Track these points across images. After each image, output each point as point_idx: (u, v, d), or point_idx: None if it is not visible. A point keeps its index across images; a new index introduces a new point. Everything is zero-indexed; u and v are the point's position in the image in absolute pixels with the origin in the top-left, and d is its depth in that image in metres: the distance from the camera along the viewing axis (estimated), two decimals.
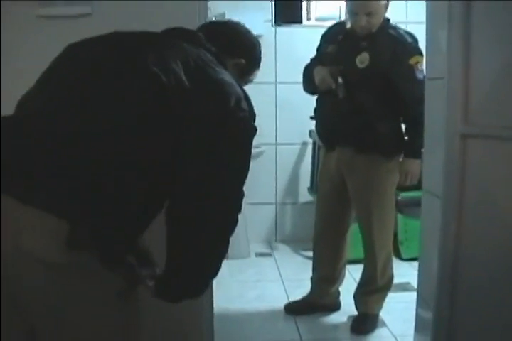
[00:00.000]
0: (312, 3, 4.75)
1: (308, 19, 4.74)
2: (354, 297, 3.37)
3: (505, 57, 2.06)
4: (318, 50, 3.28)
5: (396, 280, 3.52)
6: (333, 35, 3.15)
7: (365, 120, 2.98)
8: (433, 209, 2.47)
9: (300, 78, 3.96)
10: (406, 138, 3.08)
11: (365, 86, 2.96)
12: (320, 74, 3.05)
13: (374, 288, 3.27)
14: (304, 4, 4.75)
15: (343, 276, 3.47)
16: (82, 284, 1.44)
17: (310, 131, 4.58)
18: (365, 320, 3.26)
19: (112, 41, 1.68)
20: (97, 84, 1.55)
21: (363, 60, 2.95)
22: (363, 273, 3.33)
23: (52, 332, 1.50)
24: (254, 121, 1.65)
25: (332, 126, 3.11)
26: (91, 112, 1.50)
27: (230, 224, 1.64)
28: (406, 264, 4.06)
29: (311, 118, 3.34)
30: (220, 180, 1.55)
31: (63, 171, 1.44)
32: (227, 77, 1.63)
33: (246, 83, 1.95)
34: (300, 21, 4.75)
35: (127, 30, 1.73)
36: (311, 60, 3.26)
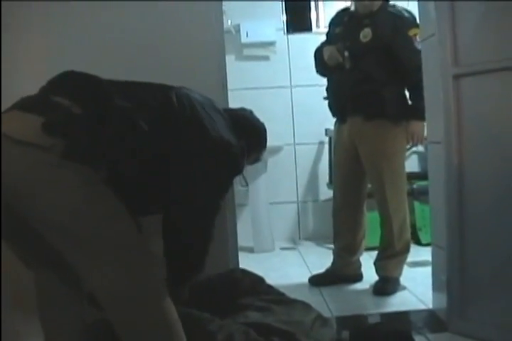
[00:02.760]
0: (320, 12, 5.05)
1: (318, 27, 5.04)
2: (374, 263, 3.51)
3: (483, 6, 2.36)
4: (327, 34, 3.56)
5: (415, 259, 3.75)
6: (340, 19, 3.45)
7: (371, 88, 3.21)
8: (437, 157, 2.69)
9: (313, 81, 4.31)
10: (410, 102, 3.30)
11: (369, 57, 3.21)
12: (328, 51, 3.33)
13: (392, 253, 3.41)
14: (313, 13, 5.07)
15: (363, 247, 3.62)
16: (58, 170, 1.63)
17: (326, 130, 4.81)
18: (386, 283, 3.39)
19: None
20: None
21: (366, 34, 3.22)
22: (381, 239, 3.48)
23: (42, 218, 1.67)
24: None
25: (342, 97, 3.34)
26: None
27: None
28: (425, 249, 4.14)
29: (324, 98, 3.56)
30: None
31: None
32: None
33: (251, 162, 2.29)
34: (310, 29, 5.06)
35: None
36: (321, 43, 3.53)
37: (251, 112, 2.27)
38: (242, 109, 2.27)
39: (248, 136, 2.09)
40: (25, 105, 1.73)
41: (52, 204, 1.63)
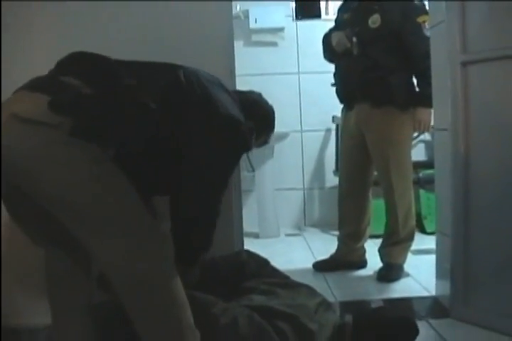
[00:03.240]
0: None
1: (327, 13, 5.00)
2: (379, 250, 3.53)
3: None
4: (335, 20, 3.55)
5: (420, 247, 3.77)
6: (349, 5, 3.43)
7: (379, 75, 3.20)
8: (443, 144, 2.70)
9: (321, 68, 4.30)
10: (417, 89, 3.29)
11: (377, 44, 3.20)
12: (337, 37, 3.32)
13: (397, 240, 3.42)
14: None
15: (368, 234, 3.64)
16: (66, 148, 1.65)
17: (333, 117, 4.81)
18: (390, 269, 3.41)
19: None
20: None
21: (374, 20, 3.21)
22: (386, 226, 3.49)
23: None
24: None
25: (349, 83, 3.34)
26: None
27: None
28: (430, 237, 4.14)
29: (332, 85, 3.56)
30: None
31: None
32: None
33: (259, 144, 2.30)
34: (319, 16, 5.01)
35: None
36: (330, 29, 3.52)
37: (259, 95, 2.28)
38: (251, 92, 2.27)
39: (256, 118, 2.09)
40: (34, 85, 1.75)
41: (61, 182, 1.64)
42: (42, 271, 2.03)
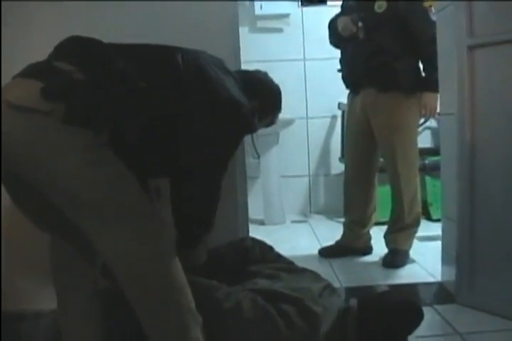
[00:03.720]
0: None
1: None
2: (384, 236, 3.53)
3: None
4: (342, 5, 3.53)
5: (425, 234, 3.77)
6: None
7: (385, 59, 3.18)
8: (449, 129, 2.68)
9: (327, 54, 4.28)
10: (423, 74, 3.27)
11: (383, 28, 3.18)
12: (342, 21, 3.30)
13: (402, 226, 3.42)
14: None
15: (374, 220, 3.64)
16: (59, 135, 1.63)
17: (339, 103, 4.79)
18: (396, 255, 3.40)
19: None
20: None
21: (380, 5, 3.18)
22: (392, 212, 3.48)
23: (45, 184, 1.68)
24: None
25: (355, 68, 3.32)
26: None
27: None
28: (436, 224, 4.13)
29: (338, 70, 3.54)
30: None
31: None
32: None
33: (265, 124, 2.27)
34: (325, 2, 5.00)
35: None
36: (336, 14, 3.50)
37: (265, 74, 2.26)
38: (257, 71, 2.25)
39: (262, 97, 2.08)
40: (28, 71, 1.74)
41: (54, 169, 1.63)
42: (48, 256, 2.03)
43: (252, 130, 2.04)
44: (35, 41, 2.50)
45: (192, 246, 2.03)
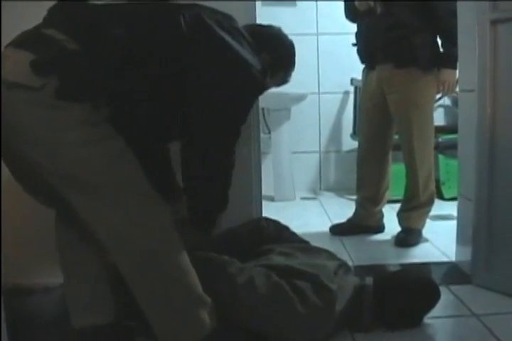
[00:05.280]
0: None
1: None
2: (397, 215, 3.47)
3: None
4: None
5: (438, 213, 3.72)
6: None
7: (402, 34, 3.09)
8: (468, 106, 2.61)
9: (340, 29, 4.20)
10: (442, 50, 3.18)
11: (401, 2, 3.09)
12: None
13: (416, 204, 3.37)
14: None
15: (386, 198, 3.59)
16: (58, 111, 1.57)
17: (352, 79, 4.72)
18: (409, 234, 3.36)
19: None
20: None
21: None
22: (406, 190, 3.42)
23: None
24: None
25: (371, 43, 3.24)
26: None
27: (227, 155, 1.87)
28: (448, 203, 4.11)
29: (353, 44, 3.46)
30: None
31: None
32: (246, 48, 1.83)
33: (278, 83, 2.18)
34: None
35: None
36: None
37: (279, 29, 2.18)
38: (270, 26, 2.17)
39: (273, 51, 2.02)
40: (19, 41, 1.64)
41: (50, 149, 1.58)
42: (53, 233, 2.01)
43: (262, 89, 1.95)
44: None
45: (205, 228, 1.96)
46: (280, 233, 2.40)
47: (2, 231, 2.10)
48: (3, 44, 1.67)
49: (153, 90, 1.71)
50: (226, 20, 1.84)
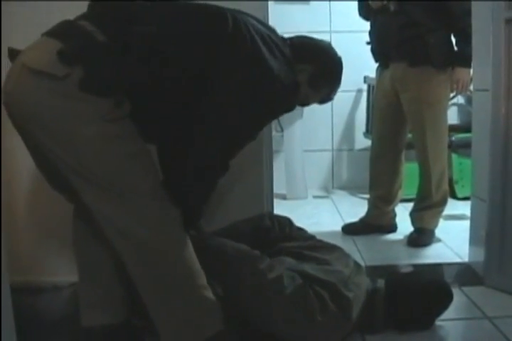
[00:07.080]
0: None
1: None
2: (410, 215, 3.45)
3: None
4: None
5: (451, 213, 3.69)
6: None
7: (416, 33, 3.07)
8: (482, 106, 2.58)
9: (353, 27, 4.17)
10: (455, 49, 3.16)
11: (415, 0, 3.06)
12: None
13: (429, 204, 3.34)
14: None
15: (399, 197, 3.56)
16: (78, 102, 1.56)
17: (365, 77, 4.70)
18: (422, 234, 3.34)
19: None
20: None
21: None
22: (419, 190, 3.40)
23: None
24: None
25: (385, 41, 3.22)
26: None
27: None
28: (461, 203, 4.09)
29: (367, 43, 3.44)
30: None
31: None
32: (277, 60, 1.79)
33: (320, 99, 2.14)
34: None
35: None
36: None
37: (329, 44, 2.13)
38: (320, 40, 2.13)
39: (319, 66, 1.99)
40: (53, 30, 1.65)
41: (66, 140, 1.56)
42: (67, 228, 2.00)
43: (288, 109, 1.94)
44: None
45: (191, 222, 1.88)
46: (285, 229, 2.36)
47: (12, 230, 2.10)
48: (4, 44, 1.66)
49: (179, 89, 1.69)
50: (269, 32, 1.82)
